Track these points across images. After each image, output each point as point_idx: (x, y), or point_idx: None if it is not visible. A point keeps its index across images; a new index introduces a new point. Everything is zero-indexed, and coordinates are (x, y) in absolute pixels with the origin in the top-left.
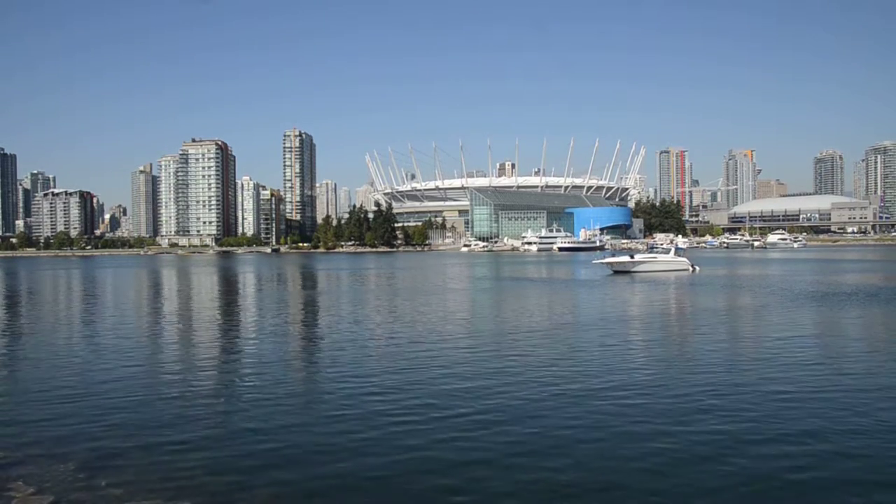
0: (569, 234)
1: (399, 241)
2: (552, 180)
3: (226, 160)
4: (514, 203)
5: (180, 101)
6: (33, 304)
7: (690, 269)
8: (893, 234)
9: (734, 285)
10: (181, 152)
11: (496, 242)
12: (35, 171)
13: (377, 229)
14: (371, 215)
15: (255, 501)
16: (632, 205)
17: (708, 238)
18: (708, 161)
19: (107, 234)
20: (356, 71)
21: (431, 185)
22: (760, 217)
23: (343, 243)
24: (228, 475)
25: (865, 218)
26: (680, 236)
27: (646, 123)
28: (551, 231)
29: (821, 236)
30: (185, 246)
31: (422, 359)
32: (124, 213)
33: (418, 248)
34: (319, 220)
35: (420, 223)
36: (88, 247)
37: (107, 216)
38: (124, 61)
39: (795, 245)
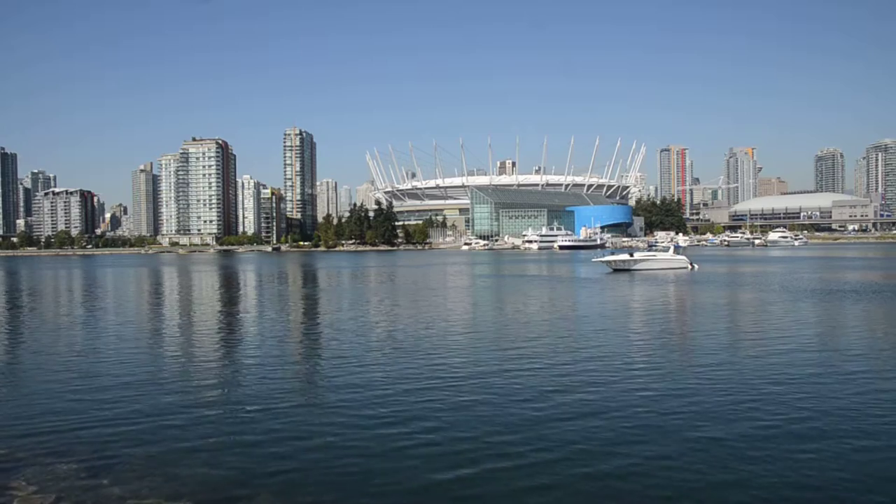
0: (569, 232)
1: (400, 240)
2: (553, 178)
3: (226, 159)
4: (515, 201)
5: (180, 99)
6: (35, 304)
7: (689, 267)
8: (894, 231)
9: (733, 283)
10: (182, 151)
11: (497, 241)
12: (36, 171)
13: (378, 228)
14: (372, 214)
15: (257, 500)
16: (632, 203)
17: (709, 236)
18: (709, 159)
19: (107, 233)
20: (356, 70)
21: (432, 183)
22: (761, 215)
23: (344, 242)
24: (230, 474)
25: (866, 216)
26: (680, 234)
27: (646, 121)
28: (552, 229)
29: (822, 234)
30: (185, 245)
31: (425, 357)
32: (125, 212)
33: (419, 247)
34: (320, 219)
35: (421, 221)
36: (89, 246)
37: (107, 215)
38: (124, 61)
39: (796, 243)
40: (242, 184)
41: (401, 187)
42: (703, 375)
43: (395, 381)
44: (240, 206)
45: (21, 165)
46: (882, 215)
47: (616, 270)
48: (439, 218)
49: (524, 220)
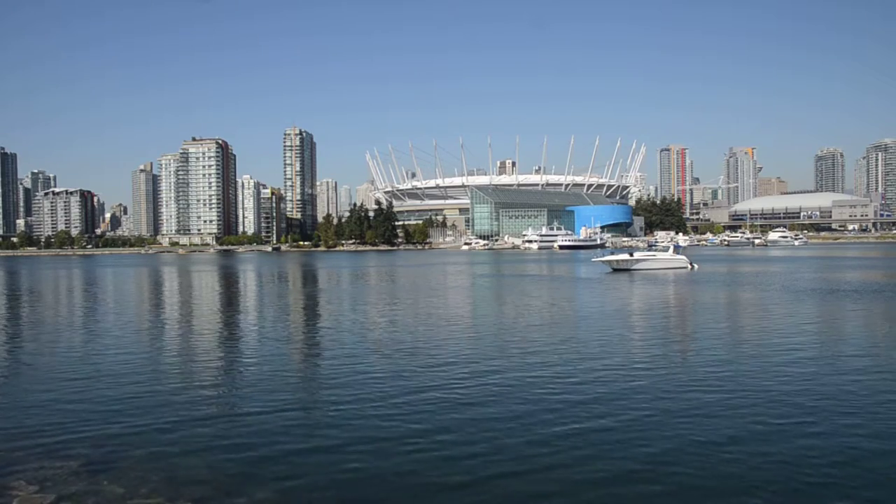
0: (569, 232)
1: (400, 240)
2: (553, 178)
3: (226, 159)
4: (515, 201)
5: (180, 99)
6: (35, 304)
7: (689, 266)
8: (894, 231)
9: (733, 283)
10: (181, 151)
11: (497, 241)
12: (36, 171)
13: (378, 227)
14: (372, 213)
15: (257, 500)
16: (632, 203)
17: (709, 236)
18: (709, 159)
19: (107, 233)
20: (356, 69)
21: (432, 183)
22: (761, 215)
23: (344, 242)
24: (230, 474)
25: (866, 215)
26: (680, 234)
27: (646, 121)
28: (552, 229)
29: (822, 234)
30: (185, 245)
31: (426, 359)
32: (125, 211)
33: (419, 247)
34: (320, 219)
35: (421, 221)
36: (89, 246)
37: (107, 215)
38: (124, 60)
39: (796, 243)
40: (242, 184)
41: (401, 187)
42: (706, 377)
43: (397, 384)
44: (240, 206)
45: (21, 165)
46: (882, 215)
47: (616, 270)
48: (439, 218)
49: (524, 220)
